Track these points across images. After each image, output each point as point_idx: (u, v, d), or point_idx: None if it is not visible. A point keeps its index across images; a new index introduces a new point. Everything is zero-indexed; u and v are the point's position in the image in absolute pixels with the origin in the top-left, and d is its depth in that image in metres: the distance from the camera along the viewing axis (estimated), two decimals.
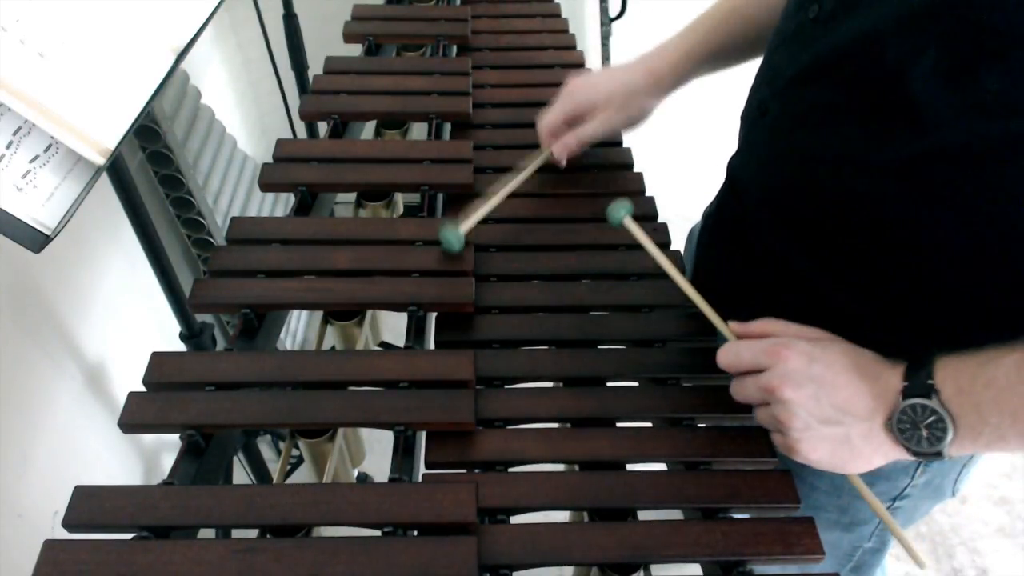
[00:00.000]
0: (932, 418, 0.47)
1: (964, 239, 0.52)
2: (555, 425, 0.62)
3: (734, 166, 0.72)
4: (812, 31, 0.57)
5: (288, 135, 1.47)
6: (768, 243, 0.65)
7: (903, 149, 0.51)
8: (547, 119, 0.81)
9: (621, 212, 0.69)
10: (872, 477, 0.70)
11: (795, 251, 0.62)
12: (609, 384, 0.64)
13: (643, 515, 0.56)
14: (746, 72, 0.72)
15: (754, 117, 0.65)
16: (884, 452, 0.50)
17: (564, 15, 1.18)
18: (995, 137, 0.47)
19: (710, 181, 0.81)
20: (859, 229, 0.57)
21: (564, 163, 0.82)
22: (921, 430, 0.47)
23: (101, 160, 0.66)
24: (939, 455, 0.47)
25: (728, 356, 0.56)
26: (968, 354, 0.48)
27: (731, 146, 0.73)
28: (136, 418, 0.57)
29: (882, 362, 0.51)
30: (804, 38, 0.58)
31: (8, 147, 0.59)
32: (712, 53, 0.77)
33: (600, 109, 0.79)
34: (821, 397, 0.50)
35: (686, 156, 1.89)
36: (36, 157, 0.61)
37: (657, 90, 0.78)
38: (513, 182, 0.78)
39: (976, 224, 0.51)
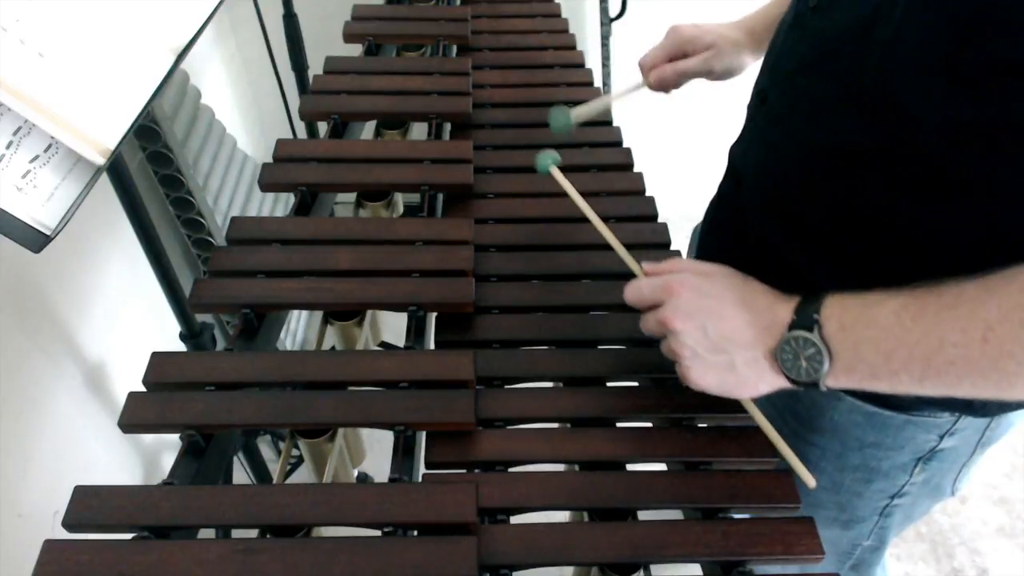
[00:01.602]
0: (812, 350, 0.49)
1: (951, 232, 0.52)
2: (555, 425, 0.62)
3: (735, 154, 0.72)
4: (811, 20, 0.57)
5: (288, 135, 1.47)
6: (765, 234, 0.65)
7: (891, 139, 0.52)
8: (650, 55, 0.84)
9: (548, 160, 0.73)
10: (870, 475, 0.70)
11: (790, 242, 0.62)
12: (609, 384, 0.64)
13: (643, 515, 0.56)
14: (750, 70, 0.72)
15: (755, 106, 0.66)
16: (768, 380, 0.53)
17: (564, 15, 1.18)
18: (975, 125, 0.47)
19: (711, 181, 0.81)
20: (851, 221, 0.57)
21: (660, 90, 0.84)
22: (801, 361, 0.50)
23: (101, 160, 0.66)
24: (816, 385, 0.50)
25: (632, 292, 0.59)
26: (858, 294, 0.50)
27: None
28: (136, 418, 0.57)
29: (774, 295, 0.54)
30: (803, 27, 0.59)
31: (8, 147, 0.59)
32: None
33: (703, 50, 0.81)
34: (708, 328, 0.53)
35: (687, 156, 1.89)
36: (36, 157, 0.61)
37: (752, 47, 0.81)
38: (616, 97, 0.83)
39: (967, 217, 0.51)
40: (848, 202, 0.57)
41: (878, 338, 0.48)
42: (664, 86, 0.83)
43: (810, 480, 0.55)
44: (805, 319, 0.50)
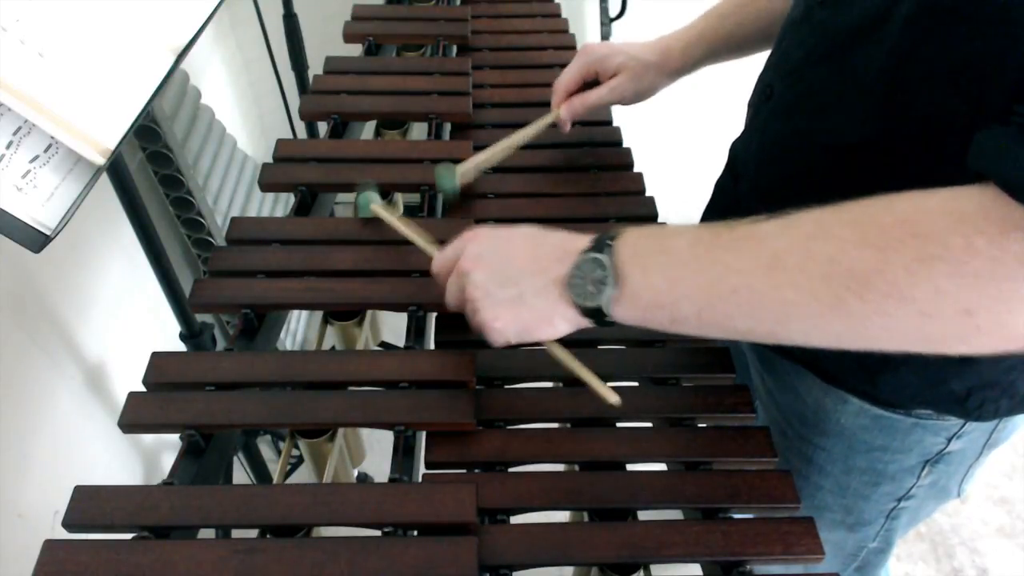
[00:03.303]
0: (600, 273, 0.48)
1: None
2: (555, 425, 0.62)
3: (736, 148, 0.72)
4: (819, 14, 0.57)
5: (288, 135, 1.47)
6: None
7: (896, 135, 0.52)
8: (564, 79, 0.83)
9: (366, 201, 0.73)
10: (877, 478, 0.70)
11: None
12: (609, 384, 0.64)
13: (643, 515, 0.56)
14: (751, 70, 0.72)
15: (760, 100, 0.66)
16: (561, 312, 0.51)
17: (564, 15, 1.18)
18: (977, 121, 0.47)
19: (712, 182, 0.81)
20: None
21: (568, 127, 0.84)
22: (589, 285, 0.49)
23: (101, 160, 0.66)
24: (601, 313, 0.49)
25: (437, 262, 0.59)
26: (659, 226, 0.51)
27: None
28: (136, 418, 0.57)
29: (572, 235, 0.53)
30: (811, 22, 0.59)
31: (8, 147, 0.59)
32: (724, 40, 0.78)
33: (612, 74, 0.80)
34: (498, 263, 0.52)
35: (686, 156, 1.88)
36: (36, 157, 0.61)
37: (668, 69, 0.80)
38: (517, 136, 0.80)
39: None
40: (849, 198, 0.57)
41: (667, 263, 0.47)
42: (576, 118, 0.83)
43: (613, 397, 0.54)
44: (599, 244, 0.49)
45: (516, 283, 0.51)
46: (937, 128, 0.49)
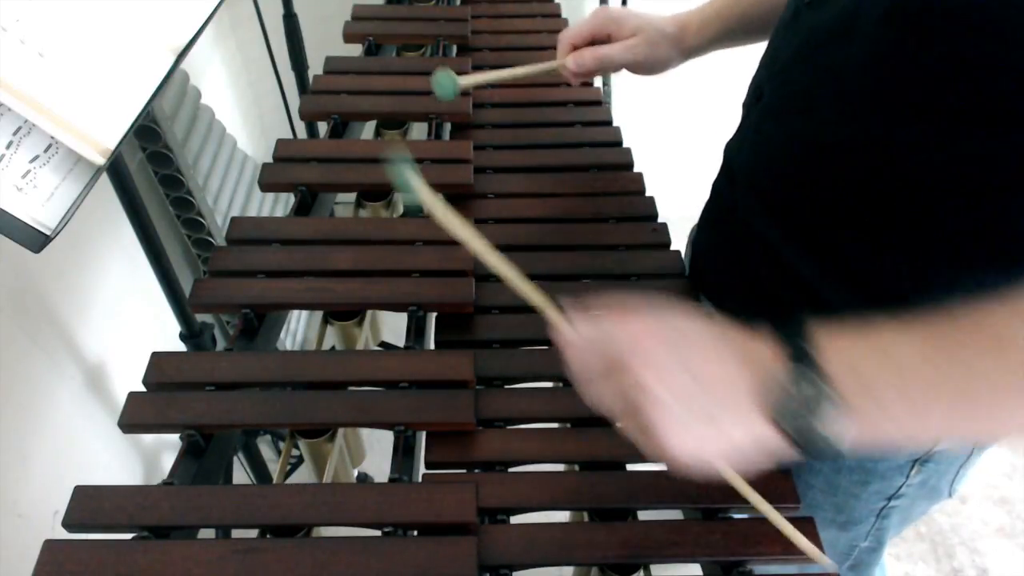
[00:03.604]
0: (817, 398, 0.40)
1: (940, 228, 0.52)
2: (555, 425, 0.62)
3: (730, 150, 0.73)
4: (806, 15, 0.58)
5: (288, 135, 1.47)
6: (755, 229, 0.65)
7: (878, 134, 0.52)
8: (572, 30, 0.78)
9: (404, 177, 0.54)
10: (867, 476, 0.70)
11: (781, 238, 0.62)
12: None
13: (643, 515, 0.56)
14: (750, 70, 0.72)
15: (751, 101, 0.66)
16: (764, 442, 0.43)
17: (564, 15, 1.18)
18: (953, 118, 0.47)
19: (710, 182, 0.81)
20: (839, 217, 0.57)
21: (574, 81, 0.80)
22: (802, 412, 0.40)
23: (101, 160, 0.66)
24: (825, 441, 0.41)
25: (578, 361, 0.46)
26: (853, 328, 0.42)
27: None
28: (136, 418, 0.57)
29: (751, 342, 0.44)
30: (798, 22, 0.59)
31: (8, 147, 0.59)
32: (738, 19, 0.77)
33: (628, 36, 0.77)
34: (684, 383, 0.42)
35: (687, 156, 1.89)
36: (36, 157, 0.61)
37: (683, 44, 0.78)
38: (517, 70, 0.79)
39: (953, 212, 0.51)
40: (836, 198, 0.57)
41: (901, 378, 0.40)
42: (582, 71, 0.78)
43: (825, 560, 0.50)
44: (801, 361, 0.41)
45: (710, 409, 0.42)
46: (934, 128, 0.49)
